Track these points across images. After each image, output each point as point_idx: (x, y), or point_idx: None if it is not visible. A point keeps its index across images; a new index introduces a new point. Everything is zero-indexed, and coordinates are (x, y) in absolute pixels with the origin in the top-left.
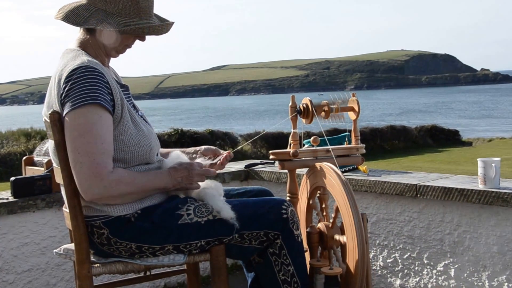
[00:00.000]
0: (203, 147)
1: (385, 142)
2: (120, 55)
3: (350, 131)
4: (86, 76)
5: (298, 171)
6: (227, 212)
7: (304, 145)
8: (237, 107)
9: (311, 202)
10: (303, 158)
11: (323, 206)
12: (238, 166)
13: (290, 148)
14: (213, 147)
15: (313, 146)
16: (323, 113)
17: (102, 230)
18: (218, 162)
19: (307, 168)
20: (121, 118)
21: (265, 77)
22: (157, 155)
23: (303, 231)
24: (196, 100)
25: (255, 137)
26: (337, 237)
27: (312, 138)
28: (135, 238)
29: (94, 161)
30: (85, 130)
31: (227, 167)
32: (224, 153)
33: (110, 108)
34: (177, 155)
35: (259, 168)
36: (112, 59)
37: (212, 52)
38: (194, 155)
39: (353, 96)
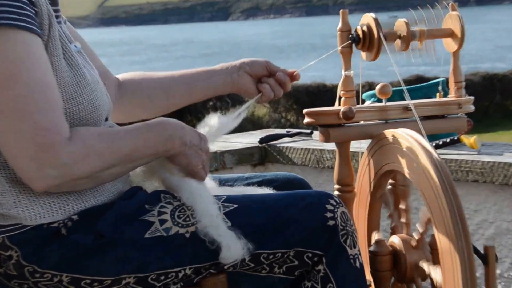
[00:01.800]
0: (245, 60)
1: (510, 99)
2: None
3: (447, 78)
4: None
5: (354, 145)
6: (230, 242)
7: (364, 101)
8: (244, 40)
9: (377, 198)
10: (363, 123)
11: (401, 206)
12: (247, 140)
13: (339, 104)
14: (262, 60)
15: (380, 101)
16: (398, 42)
17: (9, 252)
18: (283, 78)
19: (370, 140)
20: (46, 48)
21: None
22: (106, 119)
23: (363, 249)
24: (170, 29)
25: None
26: (424, 265)
27: (379, 86)
28: (68, 265)
29: (38, 125)
30: (9, 75)
31: (228, 142)
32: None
33: (38, 28)
34: None
35: (284, 143)
36: None
37: None
38: (234, 76)
39: (452, 9)
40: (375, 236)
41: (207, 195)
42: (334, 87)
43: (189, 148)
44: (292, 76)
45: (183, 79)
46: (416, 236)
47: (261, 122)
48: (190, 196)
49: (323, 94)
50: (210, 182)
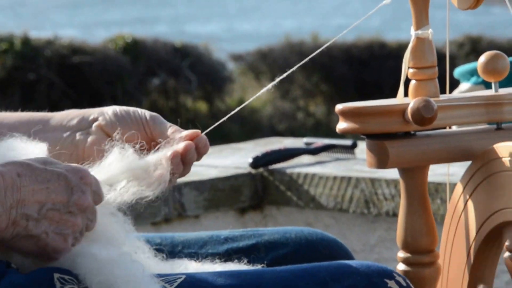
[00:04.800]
0: (110, 109)
1: None
2: None
3: None
4: None
5: (436, 170)
6: None
7: (456, 83)
8: None
9: (484, 276)
10: (454, 129)
11: None
12: (230, 160)
13: (406, 94)
14: (141, 113)
15: (487, 85)
16: None
17: None
18: (165, 170)
19: (469, 164)
20: None
21: None
22: None
23: None
24: None
25: (292, 70)
26: None
27: (484, 58)
28: None
29: None
30: None
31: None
32: (180, 142)
33: None
34: (12, 146)
35: (301, 166)
36: None
37: None
38: (80, 137)
39: None
40: None
41: (136, 270)
42: (402, 49)
43: (40, 220)
44: (188, 146)
45: None
46: None
47: (258, 120)
48: (104, 275)
49: (381, 62)
50: (143, 252)
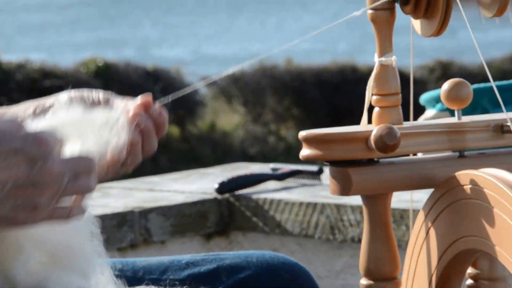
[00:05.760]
0: (65, 95)
1: None
2: None
3: None
4: None
5: (400, 197)
6: None
7: (421, 109)
8: None
9: None
10: (419, 156)
11: None
12: (196, 185)
13: (370, 121)
14: (96, 95)
15: (451, 112)
16: None
17: None
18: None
19: (431, 192)
20: None
21: None
22: None
23: None
24: None
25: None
26: None
27: (447, 85)
28: None
29: None
30: None
31: (157, 190)
32: (133, 107)
33: None
34: None
35: (266, 191)
36: None
37: None
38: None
39: None
40: None
41: None
42: (365, 76)
43: (3, 200)
44: (136, 108)
45: None
46: None
47: (228, 143)
48: None
49: (352, 87)
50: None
